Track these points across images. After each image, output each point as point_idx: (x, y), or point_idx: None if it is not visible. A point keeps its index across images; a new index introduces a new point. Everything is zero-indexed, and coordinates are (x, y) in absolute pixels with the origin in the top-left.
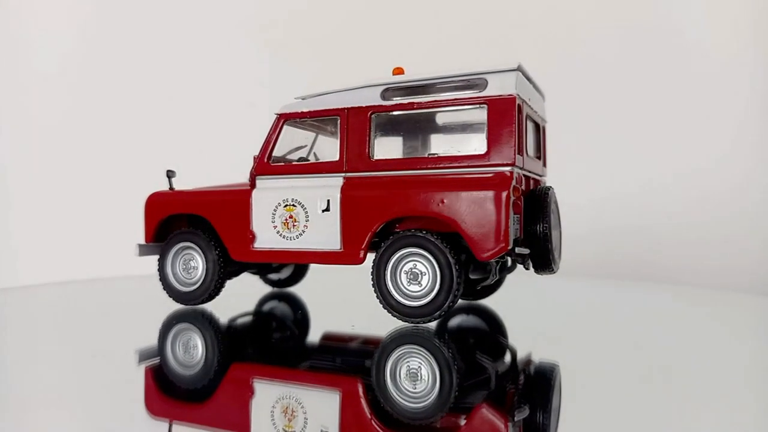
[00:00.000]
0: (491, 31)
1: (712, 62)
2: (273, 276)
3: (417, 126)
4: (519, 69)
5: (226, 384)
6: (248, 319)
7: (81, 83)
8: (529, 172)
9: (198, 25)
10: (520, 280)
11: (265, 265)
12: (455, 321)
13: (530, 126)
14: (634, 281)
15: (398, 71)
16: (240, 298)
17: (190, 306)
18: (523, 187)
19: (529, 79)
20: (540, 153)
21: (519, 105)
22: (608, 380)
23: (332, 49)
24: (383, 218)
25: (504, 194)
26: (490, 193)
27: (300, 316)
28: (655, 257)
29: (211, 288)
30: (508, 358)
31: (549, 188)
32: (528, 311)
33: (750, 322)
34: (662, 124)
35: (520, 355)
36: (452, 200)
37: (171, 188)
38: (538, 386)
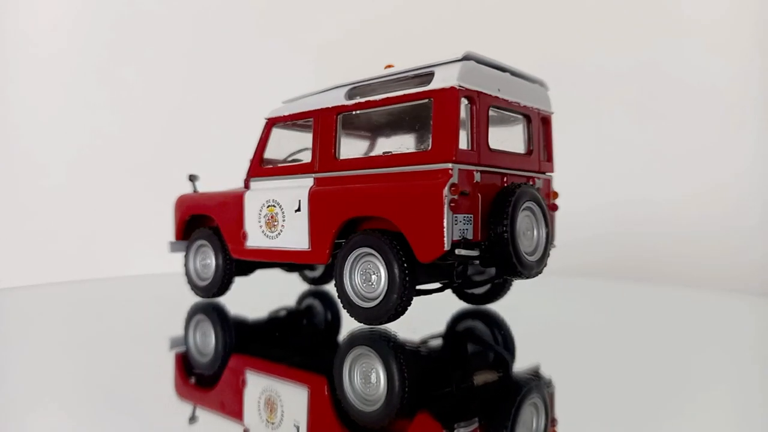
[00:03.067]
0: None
1: (718, 70)
2: (308, 273)
3: (377, 124)
4: (467, 58)
5: (225, 372)
6: (282, 313)
7: (100, 87)
8: (502, 168)
9: (227, 35)
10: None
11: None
12: (457, 326)
13: (505, 119)
14: (633, 282)
15: (389, 68)
16: (278, 293)
17: (207, 299)
18: (490, 184)
19: (499, 67)
20: (531, 147)
21: (471, 97)
22: (600, 384)
23: (355, 53)
24: (341, 218)
25: (438, 193)
26: (423, 192)
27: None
28: (655, 258)
29: (221, 283)
30: (492, 366)
31: (518, 186)
32: (529, 314)
33: (750, 322)
34: (665, 126)
35: (505, 363)
36: (392, 200)
37: (195, 191)
38: (510, 398)
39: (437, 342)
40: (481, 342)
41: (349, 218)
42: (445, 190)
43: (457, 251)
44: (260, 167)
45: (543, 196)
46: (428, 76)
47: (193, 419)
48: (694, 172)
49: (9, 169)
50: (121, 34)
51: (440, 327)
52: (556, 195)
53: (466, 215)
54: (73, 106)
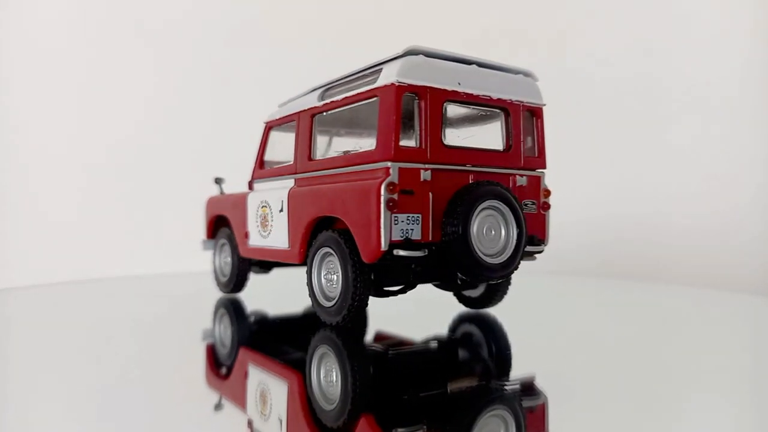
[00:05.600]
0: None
1: (718, 69)
2: None
3: (347, 124)
4: (411, 53)
5: (235, 363)
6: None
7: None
8: (464, 166)
9: (252, 42)
10: (526, 281)
11: None
12: (453, 330)
13: (476, 114)
14: (633, 281)
15: None
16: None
17: (229, 295)
18: (448, 183)
19: (461, 60)
20: (510, 143)
21: (418, 92)
22: (597, 386)
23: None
24: (309, 218)
25: (374, 192)
26: (361, 192)
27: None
28: (654, 257)
29: (236, 280)
30: (473, 374)
31: (477, 184)
32: (528, 317)
33: (750, 322)
34: (665, 124)
35: (489, 371)
36: (341, 200)
37: (221, 193)
38: (472, 407)
39: (425, 347)
40: (470, 348)
41: (315, 218)
42: (382, 189)
43: (394, 252)
44: (260, 169)
45: (526, 194)
46: (377, 74)
47: (219, 406)
48: (694, 173)
49: (11, 169)
50: (133, 35)
51: (431, 331)
52: (548, 193)
53: (410, 215)
54: (79, 106)
